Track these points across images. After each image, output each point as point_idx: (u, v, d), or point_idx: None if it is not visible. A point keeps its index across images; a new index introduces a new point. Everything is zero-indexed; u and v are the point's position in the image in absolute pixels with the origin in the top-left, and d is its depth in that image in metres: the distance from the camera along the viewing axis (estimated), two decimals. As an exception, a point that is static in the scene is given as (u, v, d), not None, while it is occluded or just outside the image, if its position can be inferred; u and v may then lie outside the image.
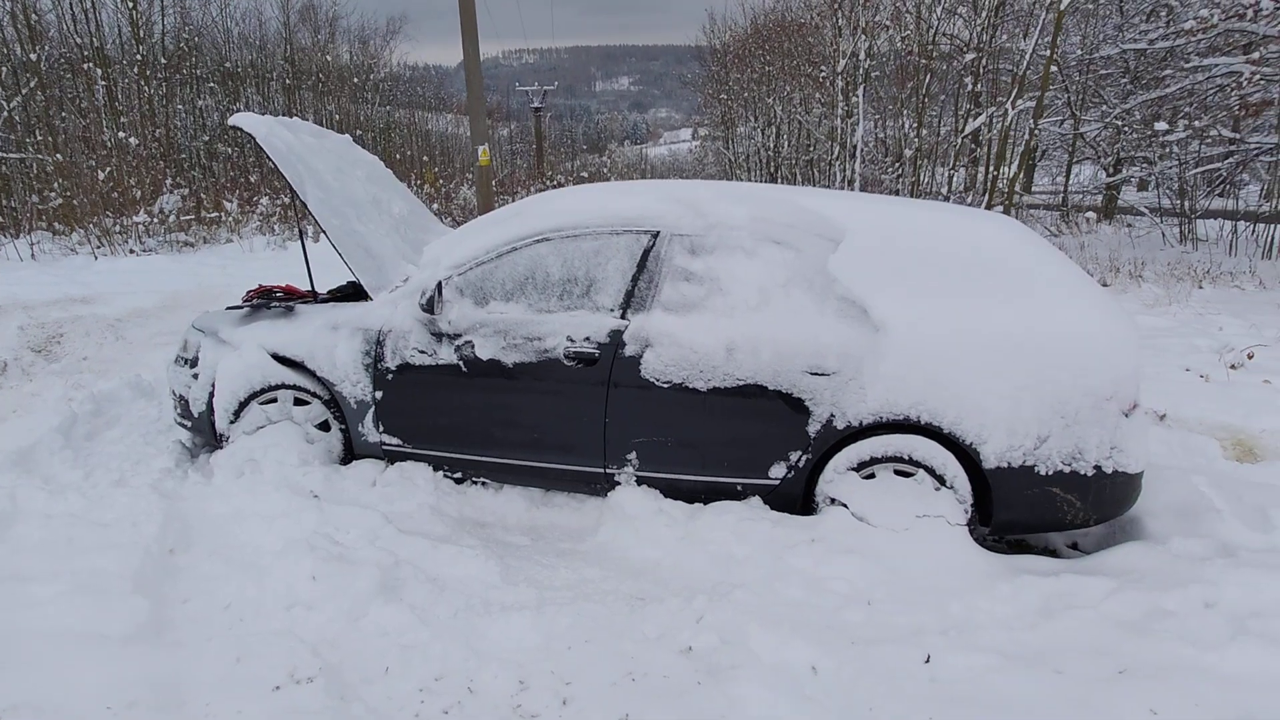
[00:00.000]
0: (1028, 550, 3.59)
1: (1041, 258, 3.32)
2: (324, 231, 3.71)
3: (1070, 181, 16.79)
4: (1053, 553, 3.60)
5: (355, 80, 26.62)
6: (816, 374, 3.24)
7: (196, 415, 3.97)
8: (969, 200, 12.70)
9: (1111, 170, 14.92)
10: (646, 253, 3.50)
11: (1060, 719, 2.27)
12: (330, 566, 2.88)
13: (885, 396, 3.16)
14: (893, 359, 3.14)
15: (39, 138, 15.10)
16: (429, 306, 3.55)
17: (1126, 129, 13.18)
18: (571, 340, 3.47)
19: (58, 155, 13.69)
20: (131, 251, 11.69)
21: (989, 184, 11.48)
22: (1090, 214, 12.83)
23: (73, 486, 3.60)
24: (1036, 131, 10.92)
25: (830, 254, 3.32)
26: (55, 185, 12.89)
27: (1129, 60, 13.34)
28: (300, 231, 4.59)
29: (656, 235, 3.51)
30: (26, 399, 5.07)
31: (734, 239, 3.45)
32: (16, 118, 15.58)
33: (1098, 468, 3.10)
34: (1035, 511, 3.19)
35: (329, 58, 26.08)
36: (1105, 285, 9.72)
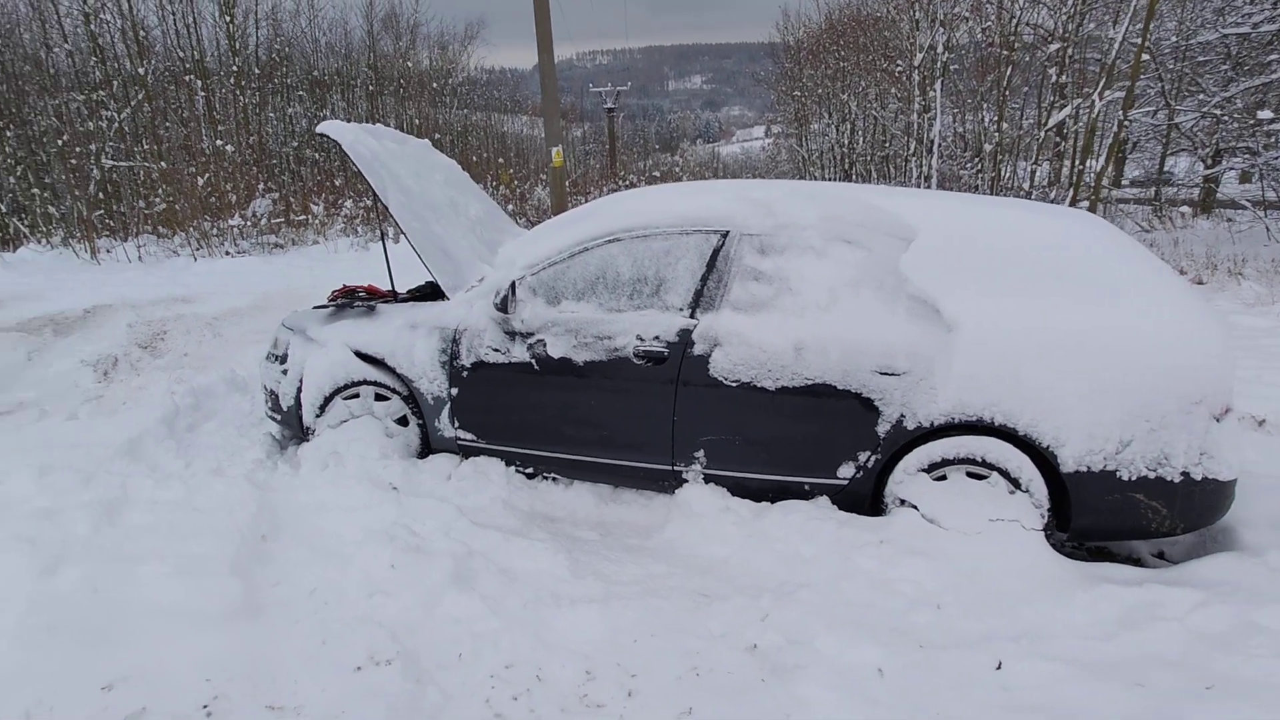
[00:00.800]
0: (1110, 558, 3.46)
1: (1125, 255, 3.20)
2: (404, 233, 3.86)
3: (1164, 174, 15.99)
4: (1137, 562, 3.47)
5: (434, 85, 27.32)
6: (886, 374, 3.20)
7: (285, 409, 4.18)
8: (1052, 195, 12.23)
9: (1210, 162, 14.14)
10: (716, 252, 3.52)
11: (1140, 732, 2.20)
12: (407, 557, 3.01)
13: (957, 397, 3.10)
14: (965, 359, 3.08)
15: (145, 146, 16.05)
16: (503, 306, 3.66)
17: (1226, 118, 12.47)
18: (641, 339, 3.52)
19: (162, 163, 14.54)
20: (227, 253, 12.33)
21: (1074, 178, 11.03)
22: (1184, 208, 12.18)
23: (175, 475, 3.84)
24: (1126, 123, 10.44)
25: (901, 253, 3.27)
26: (160, 191, 13.69)
27: (1230, 45, 12.62)
28: (381, 233, 4.78)
29: (726, 235, 3.53)
30: (134, 392, 5.42)
31: (804, 238, 3.44)
32: (126, 128, 16.61)
33: (1185, 474, 2.97)
34: (1117, 518, 3.08)
35: (409, 63, 26.85)
36: (1200, 283, 9.23)
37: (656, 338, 3.50)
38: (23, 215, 15.32)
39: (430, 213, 4.15)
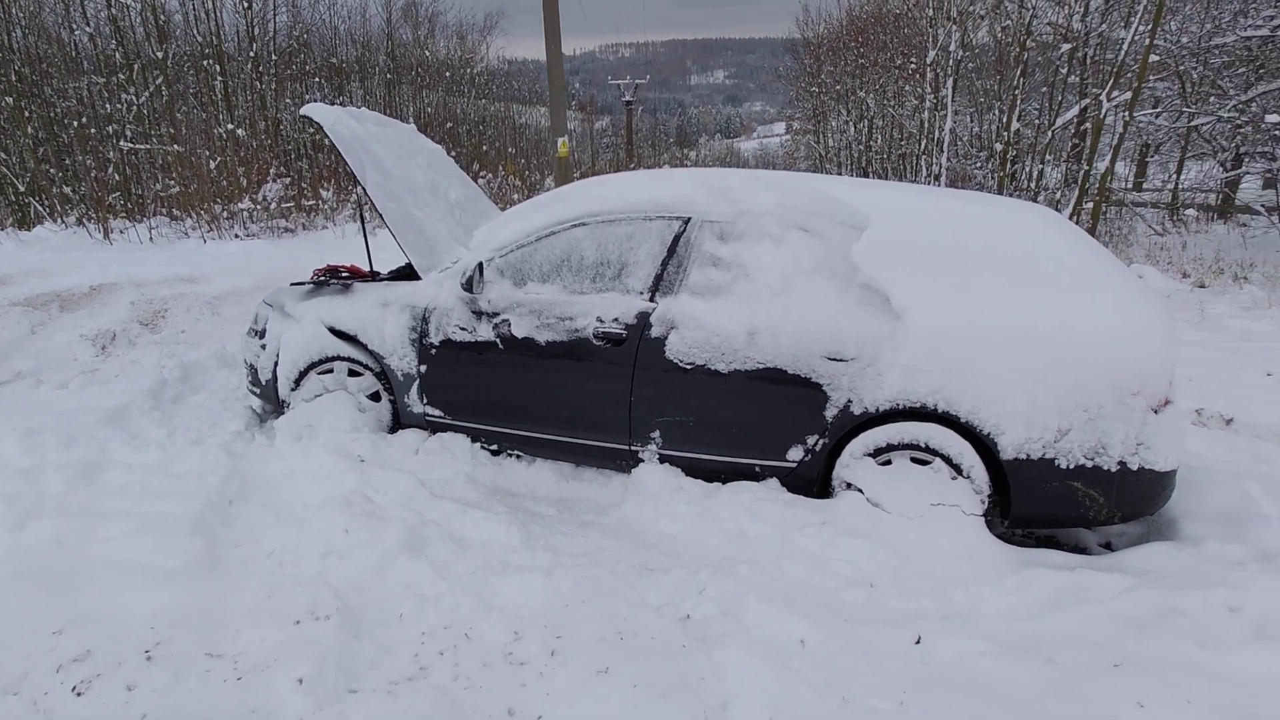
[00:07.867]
0: (1058, 547, 3.51)
1: (1074, 249, 3.24)
2: (380, 214, 3.96)
3: (1182, 178, 15.81)
4: (1084, 551, 3.52)
5: (448, 74, 27.42)
6: (835, 359, 3.27)
7: (264, 383, 4.30)
8: (1059, 196, 12.17)
9: (1230, 166, 13.96)
10: (677, 238, 3.60)
11: (1042, 705, 2.27)
12: (363, 522, 3.12)
13: (902, 383, 3.16)
14: (911, 347, 3.14)
15: (162, 130, 16.30)
16: (468, 285, 3.76)
17: (1244, 123, 12.31)
18: (601, 321, 3.60)
19: (177, 146, 14.76)
20: (236, 236, 12.52)
21: (1080, 180, 10.98)
22: (1190, 211, 12.06)
23: (155, 443, 3.97)
24: (1130, 123, 10.36)
25: (854, 242, 3.34)
26: (174, 174, 13.91)
27: (1253, 48, 12.44)
28: (361, 216, 4.89)
29: (688, 221, 3.60)
30: (128, 365, 5.58)
31: (761, 226, 3.50)
32: (144, 111, 16.87)
33: (1122, 464, 3.02)
34: (1055, 505, 3.13)
35: (428, 53, 27.00)
36: (1203, 286, 9.18)
37: (616, 319, 3.58)
38: (41, 196, 15.61)
39: (408, 194, 4.26)
